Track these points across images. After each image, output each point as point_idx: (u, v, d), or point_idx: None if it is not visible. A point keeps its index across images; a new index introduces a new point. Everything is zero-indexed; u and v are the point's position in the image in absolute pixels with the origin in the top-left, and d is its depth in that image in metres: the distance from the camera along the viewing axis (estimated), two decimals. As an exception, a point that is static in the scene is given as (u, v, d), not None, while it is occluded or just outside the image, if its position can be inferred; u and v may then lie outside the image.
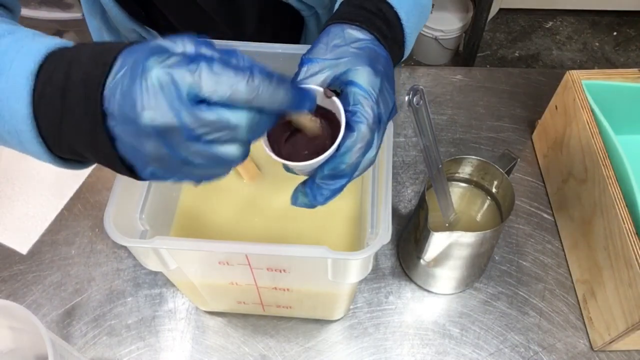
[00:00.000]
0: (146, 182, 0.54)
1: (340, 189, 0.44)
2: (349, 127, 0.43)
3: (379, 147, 0.45)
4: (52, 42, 0.40)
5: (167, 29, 0.78)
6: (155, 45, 0.36)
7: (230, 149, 0.37)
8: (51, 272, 0.72)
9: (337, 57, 0.45)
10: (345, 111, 0.43)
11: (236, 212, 0.65)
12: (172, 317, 0.69)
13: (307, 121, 0.43)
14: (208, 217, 0.64)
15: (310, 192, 0.45)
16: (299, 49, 0.52)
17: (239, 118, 0.35)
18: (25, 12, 0.62)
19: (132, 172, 0.38)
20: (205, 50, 0.36)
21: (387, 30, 0.49)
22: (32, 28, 0.43)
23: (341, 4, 0.51)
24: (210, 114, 0.34)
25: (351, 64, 0.44)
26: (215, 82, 0.34)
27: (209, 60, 0.35)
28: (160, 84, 0.33)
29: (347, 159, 0.43)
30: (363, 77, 0.44)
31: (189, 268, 0.55)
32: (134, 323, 0.69)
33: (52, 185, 0.80)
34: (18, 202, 0.78)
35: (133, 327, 0.68)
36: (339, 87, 0.45)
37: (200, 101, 0.35)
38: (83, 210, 0.78)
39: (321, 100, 0.44)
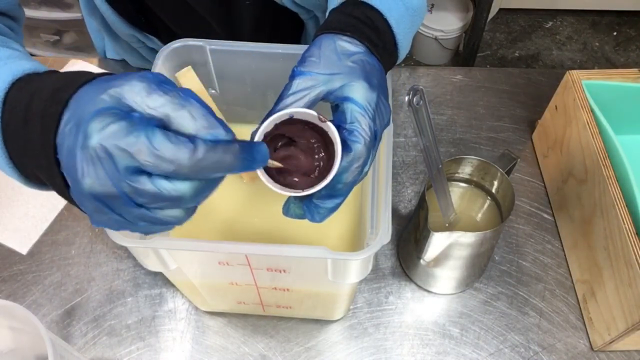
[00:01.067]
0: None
1: (337, 207, 0.44)
2: (346, 146, 0.42)
3: (372, 162, 0.45)
4: (20, 69, 0.40)
5: (166, 33, 0.78)
6: (102, 99, 0.34)
7: (174, 213, 0.36)
8: (51, 272, 0.72)
9: (330, 71, 0.44)
10: (342, 129, 0.43)
11: (236, 212, 0.65)
12: (172, 317, 0.69)
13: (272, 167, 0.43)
14: (208, 217, 0.64)
15: (308, 211, 0.45)
16: (299, 49, 0.52)
17: (181, 189, 0.34)
18: (25, 12, 0.62)
19: None
20: (156, 100, 0.34)
21: (377, 39, 0.48)
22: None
23: (331, 12, 0.50)
24: (150, 186, 0.33)
25: (346, 79, 0.44)
26: (155, 157, 0.33)
27: (151, 130, 0.33)
28: (98, 156, 0.33)
29: (344, 179, 0.42)
30: (359, 93, 0.43)
31: (188, 268, 0.55)
32: (134, 323, 0.69)
33: (52, 185, 0.80)
34: (18, 202, 0.78)
35: (133, 327, 0.68)
36: (333, 101, 0.45)
37: (143, 170, 0.33)
38: (83, 210, 0.78)
39: (315, 121, 0.43)
